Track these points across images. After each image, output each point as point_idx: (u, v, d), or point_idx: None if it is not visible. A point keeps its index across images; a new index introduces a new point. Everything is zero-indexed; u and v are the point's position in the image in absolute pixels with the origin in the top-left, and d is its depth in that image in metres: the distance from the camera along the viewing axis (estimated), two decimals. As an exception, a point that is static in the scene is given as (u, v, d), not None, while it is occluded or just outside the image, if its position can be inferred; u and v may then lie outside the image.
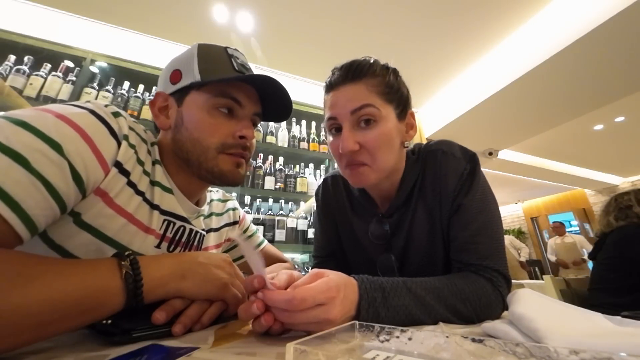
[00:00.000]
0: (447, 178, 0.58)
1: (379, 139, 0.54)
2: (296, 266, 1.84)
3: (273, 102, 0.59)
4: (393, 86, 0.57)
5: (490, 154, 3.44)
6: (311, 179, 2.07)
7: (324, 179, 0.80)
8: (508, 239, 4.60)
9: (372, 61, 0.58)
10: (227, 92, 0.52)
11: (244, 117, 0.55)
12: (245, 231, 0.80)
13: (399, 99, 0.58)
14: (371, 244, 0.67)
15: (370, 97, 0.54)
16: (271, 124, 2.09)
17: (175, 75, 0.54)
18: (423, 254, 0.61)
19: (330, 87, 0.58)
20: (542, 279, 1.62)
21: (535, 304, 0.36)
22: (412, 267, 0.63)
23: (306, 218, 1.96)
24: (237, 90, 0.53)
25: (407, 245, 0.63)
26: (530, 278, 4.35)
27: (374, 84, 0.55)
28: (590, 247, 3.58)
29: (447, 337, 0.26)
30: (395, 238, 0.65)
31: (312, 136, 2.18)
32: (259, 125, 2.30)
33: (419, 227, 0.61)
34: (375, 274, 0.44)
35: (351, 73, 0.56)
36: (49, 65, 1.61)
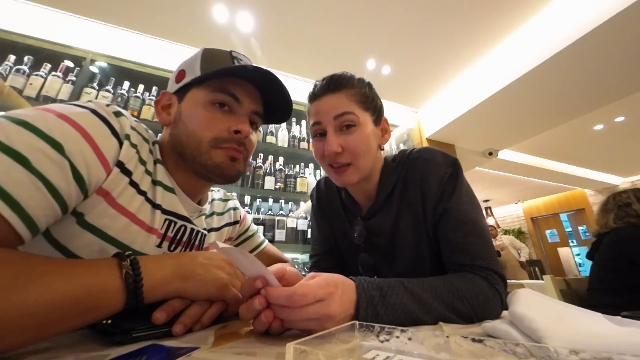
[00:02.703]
0: (429, 184, 0.60)
1: (359, 141, 0.60)
2: (296, 266, 1.84)
3: (274, 101, 0.60)
4: (368, 96, 0.64)
5: (490, 154, 3.44)
6: (311, 179, 2.07)
7: (317, 182, 0.84)
8: (508, 239, 4.58)
9: (349, 75, 0.64)
10: (225, 87, 0.52)
11: (242, 113, 0.55)
12: (246, 231, 0.80)
13: (374, 108, 0.65)
14: (357, 244, 0.71)
15: (350, 105, 0.61)
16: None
17: (180, 74, 0.56)
18: (409, 255, 0.64)
19: (313, 97, 0.65)
20: (542, 279, 1.62)
21: (535, 304, 0.36)
22: (399, 268, 0.65)
23: (306, 218, 1.96)
24: (236, 87, 0.54)
25: (393, 247, 0.66)
26: (530, 278, 4.34)
27: (352, 93, 0.62)
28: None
29: (447, 337, 0.26)
30: (379, 239, 0.68)
31: (312, 136, 2.18)
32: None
33: (403, 230, 0.64)
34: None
35: (332, 84, 0.62)
36: (49, 65, 1.61)
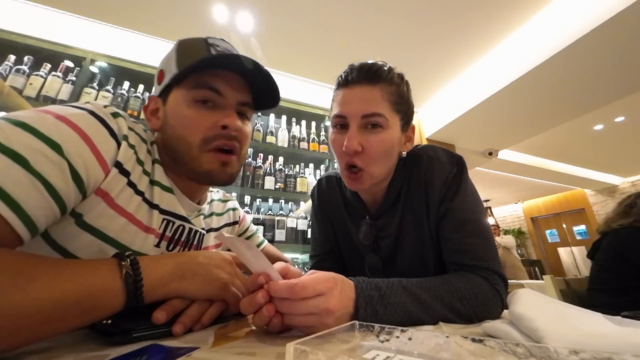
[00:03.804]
0: (433, 182, 0.59)
1: (381, 145, 0.56)
2: (296, 266, 1.83)
3: (261, 88, 0.56)
4: (404, 97, 0.59)
5: (490, 154, 3.44)
6: (311, 179, 2.07)
7: (319, 180, 0.81)
8: (507, 239, 4.57)
9: (389, 67, 0.58)
10: (203, 82, 0.50)
11: (227, 106, 0.52)
12: (245, 231, 0.80)
13: (406, 111, 0.60)
14: (362, 244, 0.69)
15: (382, 105, 0.55)
16: (271, 123, 2.09)
17: (160, 75, 0.54)
18: (412, 256, 0.63)
19: (345, 84, 0.58)
20: (542, 279, 1.62)
21: (535, 304, 0.36)
22: (402, 268, 0.64)
23: (306, 218, 1.96)
24: (216, 80, 0.51)
25: (395, 247, 0.65)
26: (530, 278, 4.33)
27: (389, 91, 0.56)
28: None
29: (447, 337, 0.26)
30: (384, 240, 0.66)
31: (312, 136, 2.18)
32: (258, 125, 2.27)
33: (406, 230, 0.63)
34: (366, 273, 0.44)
35: (370, 75, 0.56)
36: (49, 65, 1.61)
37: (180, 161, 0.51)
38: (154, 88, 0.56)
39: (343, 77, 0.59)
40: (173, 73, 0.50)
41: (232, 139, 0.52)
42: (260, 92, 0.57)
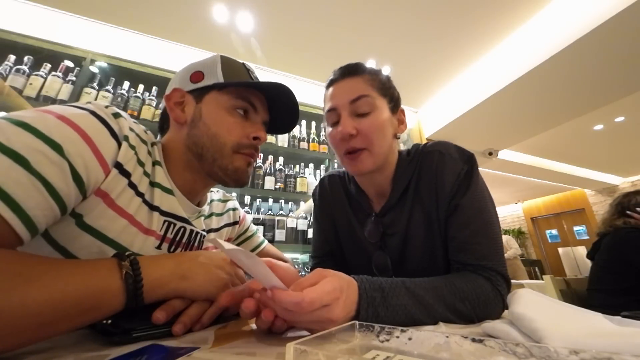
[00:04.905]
0: (444, 179, 0.59)
1: (374, 125, 0.59)
2: (296, 266, 1.83)
3: (280, 114, 0.63)
4: (386, 83, 0.64)
5: (490, 154, 3.44)
6: (311, 179, 2.07)
7: (321, 179, 0.81)
8: (505, 238, 4.57)
9: (367, 64, 0.64)
10: (246, 96, 0.57)
11: (258, 121, 0.59)
12: (245, 231, 0.80)
13: (392, 95, 0.64)
14: (368, 243, 0.68)
15: (367, 89, 0.60)
16: (271, 124, 2.09)
17: (197, 75, 0.57)
18: (421, 254, 0.62)
19: (331, 83, 0.64)
20: (542, 279, 1.62)
21: (535, 304, 0.36)
22: (412, 266, 0.63)
23: (306, 218, 1.96)
24: (254, 97, 0.58)
25: (404, 245, 0.64)
26: (530, 278, 4.34)
27: (370, 78, 0.62)
28: None
29: (447, 337, 0.26)
30: (391, 238, 0.65)
31: (312, 136, 2.18)
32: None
33: (415, 228, 0.62)
34: (373, 272, 0.44)
35: (351, 70, 0.62)
36: (49, 65, 1.61)
37: (208, 158, 0.54)
38: (179, 82, 0.58)
39: (329, 79, 0.65)
40: (218, 80, 0.55)
41: (257, 150, 0.59)
42: (276, 116, 0.65)
